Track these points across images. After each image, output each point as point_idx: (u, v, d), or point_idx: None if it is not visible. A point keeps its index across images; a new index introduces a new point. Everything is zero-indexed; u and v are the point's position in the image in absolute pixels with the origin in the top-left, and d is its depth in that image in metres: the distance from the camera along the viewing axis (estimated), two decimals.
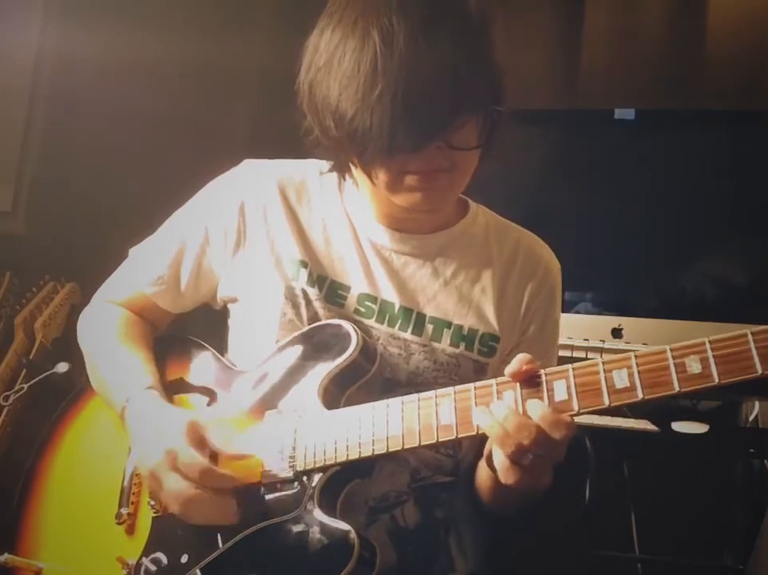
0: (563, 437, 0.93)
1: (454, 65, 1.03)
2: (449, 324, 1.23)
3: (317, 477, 1.07)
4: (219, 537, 1.10)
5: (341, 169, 1.23)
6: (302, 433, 1.10)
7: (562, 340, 1.34)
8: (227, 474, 1.08)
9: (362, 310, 1.23)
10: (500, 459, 0.96)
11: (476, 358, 1.23)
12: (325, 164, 1.26)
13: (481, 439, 1.00)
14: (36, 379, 2.05)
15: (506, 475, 0.95)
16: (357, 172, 1.17)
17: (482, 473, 1.17)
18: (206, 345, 1.31)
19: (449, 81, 1.03)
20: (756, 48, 2.51)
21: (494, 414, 0.95)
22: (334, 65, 1.07)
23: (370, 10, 1.05)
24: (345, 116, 1.05)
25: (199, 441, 1.09)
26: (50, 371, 1.98)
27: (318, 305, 1.22)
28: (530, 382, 0.97)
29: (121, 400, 1.18)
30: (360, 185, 1.24)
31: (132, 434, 1.16)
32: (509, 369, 0.98)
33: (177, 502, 1.07)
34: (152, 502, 1.19)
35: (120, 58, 2.54)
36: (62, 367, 1.95)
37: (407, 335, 1.22)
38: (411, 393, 1.07)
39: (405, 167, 1.09)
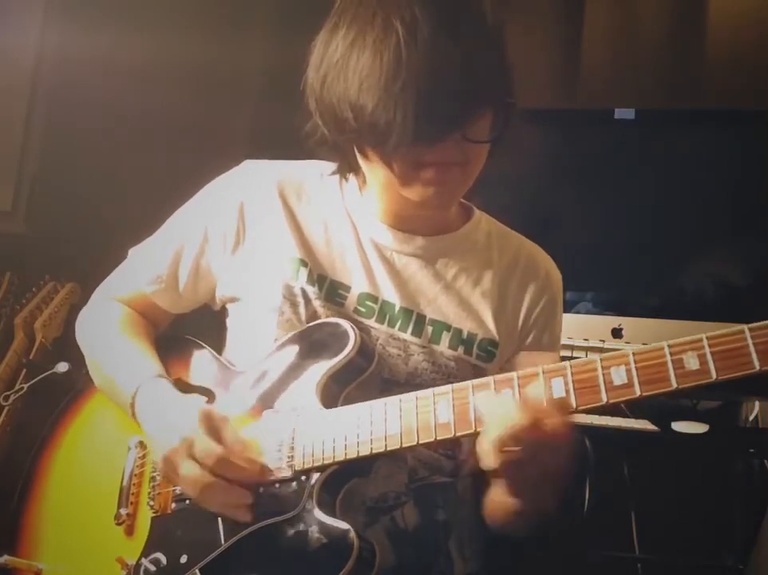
0: (554, 428, 0.91)
1: (474, 57, 1.04)
2: (448, 327, 1.23)
3: (315, 477, 1.07)
4: (218, 537, 1.10)
5: (346, 169, 1.23)
6: (300, 432, 1.10)
7: (562, 340, 1.34)
8: (241, 465, 1.08)
9: (362, 309, 1.22)
10: (484, 445, 0.94)
11: (474, 362, 1.23)
12: (326, 166, 1.26)
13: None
14: (36, 379, 2.06)
15: (488, 459, 0.94)
16: (369, 168, 1.16)
17: (489, 495, 1.15)
18: (204, 345, 1.31)
19: (470, 74, 1.04)
20: (756, 48, 2.50)
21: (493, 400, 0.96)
22: (352, 58, 1.06)
23: (389, 3, 1.05)
24: (365, 107, 1.04)
25: (214, 430, 1.09)
26: (50, 371, 1.98)
27: (317, 304, 1.21)
28: (529, 379, 0.97)
29: (131, 390, 1.17)
30: (368, 183, 1.23)
31: (143, 421, 1.16)
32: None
33: (194, 489, 1.06)
34: (152, 502, 1.19)
35: (121, 58, 2.54)
36: (62, 367, 1.96)
37: (407, 335, 1.22)
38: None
39: (420, 159, 1.09)
